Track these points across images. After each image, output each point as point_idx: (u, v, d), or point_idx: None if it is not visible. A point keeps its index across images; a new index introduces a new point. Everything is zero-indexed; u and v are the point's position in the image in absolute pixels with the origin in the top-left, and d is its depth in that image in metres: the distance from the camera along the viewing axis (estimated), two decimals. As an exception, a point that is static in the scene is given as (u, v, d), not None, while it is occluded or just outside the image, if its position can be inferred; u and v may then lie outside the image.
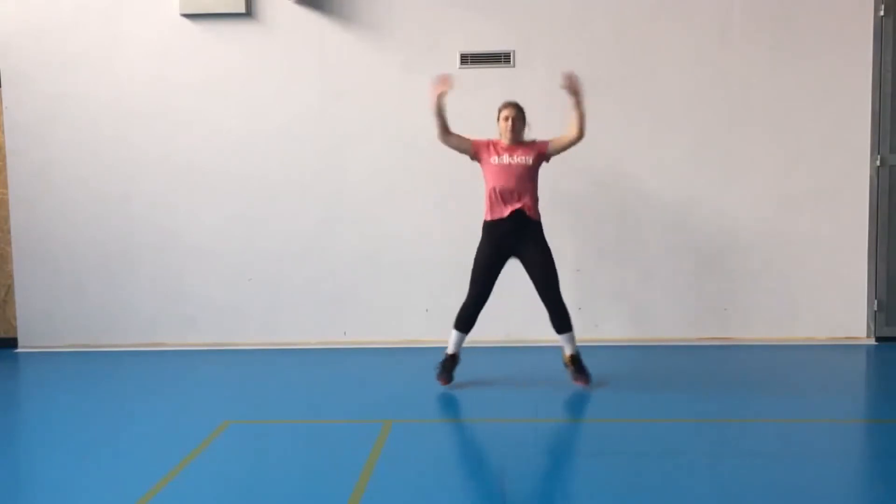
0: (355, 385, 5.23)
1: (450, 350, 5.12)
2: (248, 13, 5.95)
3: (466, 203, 5.78)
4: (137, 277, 6.18)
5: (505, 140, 4.98)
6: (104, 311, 6.19)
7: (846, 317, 5.99)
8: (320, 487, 3.66)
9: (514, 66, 5.91)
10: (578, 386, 5.00)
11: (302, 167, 6.06)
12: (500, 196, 4.92)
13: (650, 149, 5.94)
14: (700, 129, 5.93)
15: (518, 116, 4.97)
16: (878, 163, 5.89)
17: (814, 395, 4.87)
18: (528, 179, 4.93)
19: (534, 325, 5.70)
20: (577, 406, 4.82)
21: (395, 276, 6.09)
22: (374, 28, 5.96)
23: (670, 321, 6.04)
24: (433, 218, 6.04)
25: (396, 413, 4.61)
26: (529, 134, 5.05)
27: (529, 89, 5.61)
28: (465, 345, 5.14)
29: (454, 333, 5.09)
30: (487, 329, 5.40)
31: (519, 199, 4.91)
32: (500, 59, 5.92)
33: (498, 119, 5.03)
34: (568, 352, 5.06)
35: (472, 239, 5.09)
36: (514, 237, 4.94)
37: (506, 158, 4.93)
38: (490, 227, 4.98)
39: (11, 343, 6.30)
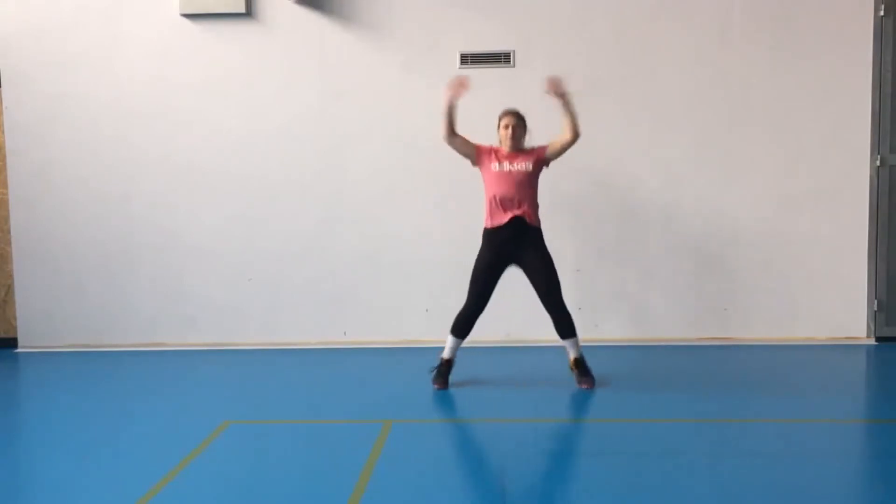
0: (355, 385, 5.23)
1: (445, 355, 5.12)
2: (248, 13, 5.95)
3: (466, 203, 5.79)
4: (137, 277, 6.18)
5: (505, 148, 4.99)
6: (104, 311, 6.20)
7: (846, 317, 6.00)
8: (320, 487, 3.66)
9: (514, 66, 5.91)
10: (583, 388, 5.00)
11: (302, 167, 6.06)
12: (501, 203, 4.92)
13: (650, 149, 5.94)
14: (700, 129, 5.93)
15: (518, 124, 4.98)
16: (878, 163, 5.89)
17: (814, 395, 4.87)
18: (528, 186, 4.94)
19: (534, 326, 5.71)
20: (577, 406, 4.82)
21: (395, 276, 6.09)
22: (374, 28, 5.96)
23: (670, 321, 6.04)
24: (433, 218, 6.04)
25: (396, 413, 4.61)
26: (530, 141, 5.05)
27: (529, 89, 5.60)
28: (465, 345, 5.14)
29: (450, 339, 5.09)
30: (487, 329, 5.40)
31: (519, 206, 4.91)
32: (500, 59, 5.92)
33: (498, 127, 5.03)
34: (572, 356, 5.06)
35: (472, 239, 5.10)
36: (514, 244, 4.94)
37: (506, 165, 4.94)
38: (490, 235, 4.99)
39: (11, 343, 6.30)
